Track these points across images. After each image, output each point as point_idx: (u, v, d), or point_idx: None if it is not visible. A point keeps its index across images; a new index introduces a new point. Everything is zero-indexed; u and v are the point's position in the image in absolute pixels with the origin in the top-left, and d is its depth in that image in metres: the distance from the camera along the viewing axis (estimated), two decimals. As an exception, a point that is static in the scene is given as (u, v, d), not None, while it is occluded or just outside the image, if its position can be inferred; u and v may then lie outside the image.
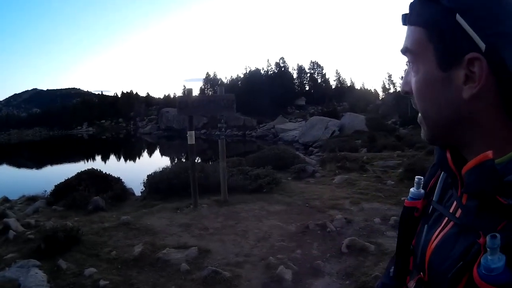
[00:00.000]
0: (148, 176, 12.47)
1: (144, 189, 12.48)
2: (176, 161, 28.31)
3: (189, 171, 10.26)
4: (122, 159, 45.67)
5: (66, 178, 13.16)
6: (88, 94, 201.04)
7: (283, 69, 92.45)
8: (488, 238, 0.71)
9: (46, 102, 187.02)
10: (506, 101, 0.80)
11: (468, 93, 0.80)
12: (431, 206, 1.02)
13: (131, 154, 48.73)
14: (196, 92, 76.52)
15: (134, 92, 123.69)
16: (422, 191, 1.06)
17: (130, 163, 41.71)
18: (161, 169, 12.54)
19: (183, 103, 10.17)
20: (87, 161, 42.01)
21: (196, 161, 11.01)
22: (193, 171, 9.91)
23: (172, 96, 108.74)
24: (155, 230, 8.27)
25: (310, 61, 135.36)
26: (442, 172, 1.03)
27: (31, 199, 14.07)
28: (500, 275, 0.69)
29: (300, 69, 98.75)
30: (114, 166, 35.57)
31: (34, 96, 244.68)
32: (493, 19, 0.77)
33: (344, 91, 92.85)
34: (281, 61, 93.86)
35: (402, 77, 0.99)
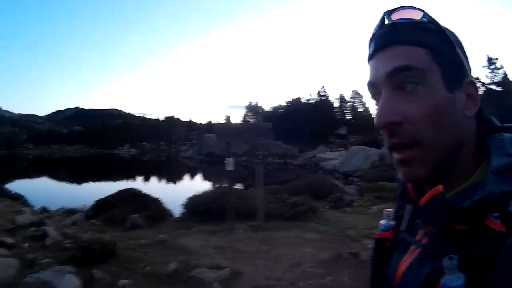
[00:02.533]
0: (188, 198, 12.70)
1: (183, 211, 12.70)
2: (215, 186, 28.46)
3: (226, 196, 10.41)
4: (163, 181, 46.08)
5: (107, 195, 13.51)
6: (130, 116, 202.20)
7: (323, 98, 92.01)
8: (445, 259, 0.78)
9: (87, 120, 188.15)
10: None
11: (472, 112, 0.88)
12: (400, 236, 1.06)
13: (172, 177, 49.10)
14: (239, 120, 76.48)
15: (176, 117, 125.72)
16: (392, 222, 1.10)
17: (170, 185, 42.04)
18: (200, 193, 12.74)
19: (221, 130, 10.38)
20: (127, 180, 42.57)
21: (234, 187, 11.13)
22: (230, 196, 10.07)
23: (214, 122, 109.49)
24: (190, 250, 8.44)
25: (351, 90, 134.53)
26: None
27: (70, 212, 14.43)
28: None
29: (341, 98, 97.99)
30: (154, 187, 35.80)
31: (76, 114, 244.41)
32: (466, 57, 0.93)
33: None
34: (322, 90, 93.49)
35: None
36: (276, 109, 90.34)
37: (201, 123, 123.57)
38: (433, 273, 0.83)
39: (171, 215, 13.11)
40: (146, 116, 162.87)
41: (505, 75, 56.89)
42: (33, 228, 10.30)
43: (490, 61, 57.95)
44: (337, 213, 12.25)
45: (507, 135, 0.87)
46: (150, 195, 13.45)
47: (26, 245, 8.88)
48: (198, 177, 50.30)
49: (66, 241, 8.89)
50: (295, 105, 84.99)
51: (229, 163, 10.11)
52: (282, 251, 8.27)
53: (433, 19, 0.89)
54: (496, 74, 57.50)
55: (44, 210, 16.00)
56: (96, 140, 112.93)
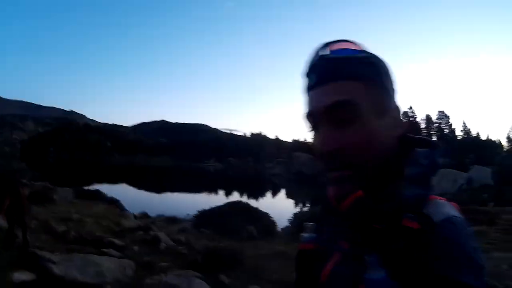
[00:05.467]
0: (294, 214, 13.70)
1: (289, 225, 13.61)
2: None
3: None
4: (255, 196, 45.88)
5: (213, 206, 14.53)
6: (216, 131, 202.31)
7: (411, 119, 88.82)
8: (367, 257, 0.84)
9: (173, 134, 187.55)
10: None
11: (398, 132, 0.97)
12: (322, 245, 1.06)
13: (261, 193, 49.97)
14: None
15: (263, 134, 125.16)
16: (314, 234, 1.10)
17: (266, 200, 43.03)
18: (307, 209, 13.65)
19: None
20: (212, 193, 43.70)
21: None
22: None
23: (302, 140, 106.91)
24: (311, 262, 9.04)
25: (437, 111, 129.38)
26: None
27: (171, 220, 15.74)
28: (380, 286, 0.80)
29: (428, 119, 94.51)
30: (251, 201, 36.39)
31: (162, 127, 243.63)
32: (394, 83, 1.00)
33: (470, 142, 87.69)
34: (409, 110, 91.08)
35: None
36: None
37: (287, 142, 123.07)
38: (355, 272, 0.86)
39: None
40: (232, 131, 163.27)
41: None
42: (141, 232, 10.79)
43: None
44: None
45: (420, 150, 0.95)
46: (259, 209, 14.28)
47: (136, 248, 9.24)
48: (287, 194, 50.93)
49: (181, 247, 9.52)
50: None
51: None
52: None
53: (368, 52, 0.96)
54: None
55: (145, 215, 17.20)
56: (183, 152, 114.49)
